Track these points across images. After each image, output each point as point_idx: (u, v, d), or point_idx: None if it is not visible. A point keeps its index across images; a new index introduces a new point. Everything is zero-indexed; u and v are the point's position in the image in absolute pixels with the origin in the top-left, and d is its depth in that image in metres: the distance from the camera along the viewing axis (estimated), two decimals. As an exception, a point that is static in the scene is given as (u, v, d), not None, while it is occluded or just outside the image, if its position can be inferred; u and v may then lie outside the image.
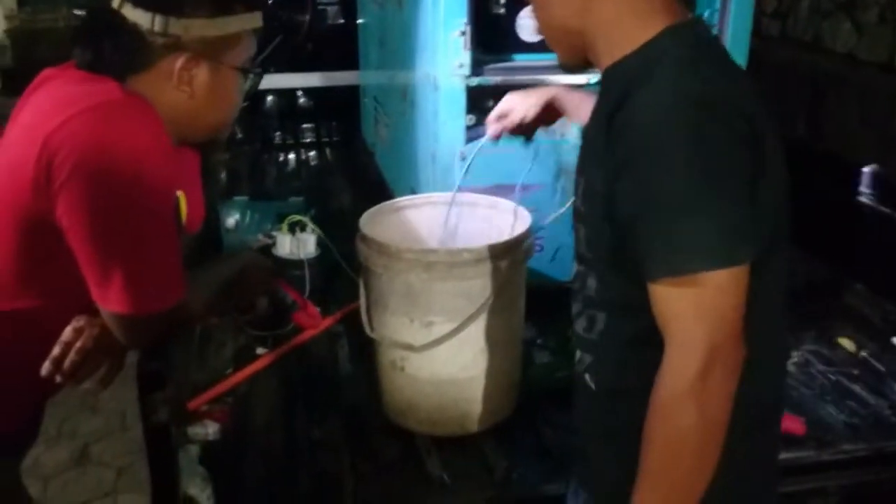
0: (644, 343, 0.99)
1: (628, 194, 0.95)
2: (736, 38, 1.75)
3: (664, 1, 1.02)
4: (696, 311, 0.91)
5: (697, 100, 0.92)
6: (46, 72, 1.37)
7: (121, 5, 1.27)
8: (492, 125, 1.52)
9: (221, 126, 1.43)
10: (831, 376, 1.66)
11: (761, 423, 1.08)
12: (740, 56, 1.74)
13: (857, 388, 1.62)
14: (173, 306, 1.27)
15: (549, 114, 1.50)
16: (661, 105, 0.93)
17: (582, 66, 1.11)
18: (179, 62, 1.29)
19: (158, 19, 1.26)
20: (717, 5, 1.75)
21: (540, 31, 1.13)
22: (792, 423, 1.47)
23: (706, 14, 1.75)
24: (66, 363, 1.26)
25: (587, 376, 1.14)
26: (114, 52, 1.28)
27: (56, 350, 1.26)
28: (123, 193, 1.21)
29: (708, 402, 0.91)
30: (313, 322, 1.80)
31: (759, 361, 0.98)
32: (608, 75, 1.05)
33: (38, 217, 1.23)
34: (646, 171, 0.92)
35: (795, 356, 1.71)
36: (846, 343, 1.78)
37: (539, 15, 1.11)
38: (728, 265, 0.91)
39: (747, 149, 0.92)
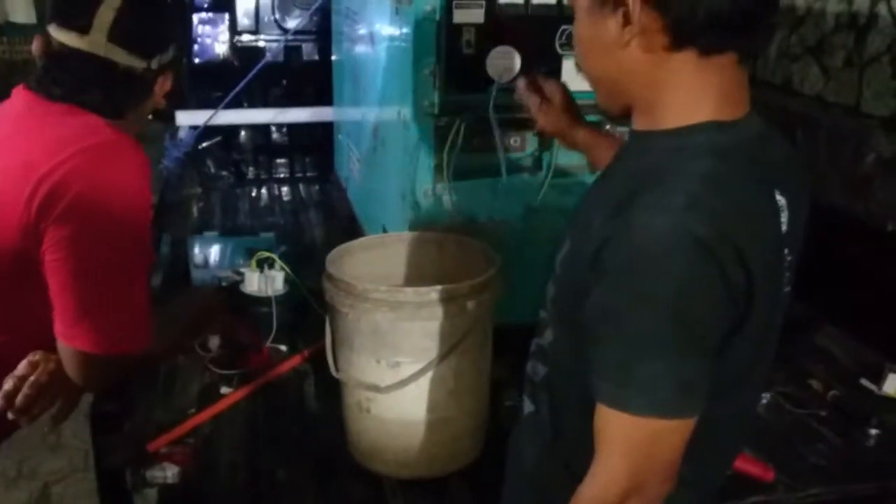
0: (570, 412, 1.01)
1: (600, 305, 0.89)
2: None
3: (729, 86, 0.93)
4: (626, 446, 0.90)
5: (697, 242, 0.83)
6: (15, 102, 1.34)
7: (108, 50, 1.29)
8: (522, 85, 1.45)
9: None
10: (801, 418, 1.66)
11: None
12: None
13: (825, 430, 1.61)
14: (136, 350, 1.26)
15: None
16: (660, 233, 0.84)
17: (625, 115, 1.02)
18: (167, 84, 1.41)
19: (154, 61, 1.35)
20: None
21: (588, 76, 1.02)
22: (761, 470, 1.45)
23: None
24: (20, 398, 1.23)
25: (523, 412, 1.16)
26: (123, 96, 1.35)
27: (9, 384, 1.23)
28: (114, 234, 1.24)
29: None
30: (265, 364, 1.76)
31: (697, 479, 0.99)
32: (638, 139, 0.99)
33: (20, 252, 1.23)
34: (624, 295, 0.87)
35: (766, 397, 1.71)
36: (816, 384, 1.78)
37: (586, 59, 1.00)
38: (672, 417, 0.88)
39: (734, 304, 0.87)
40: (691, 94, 0.92)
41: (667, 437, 0.89)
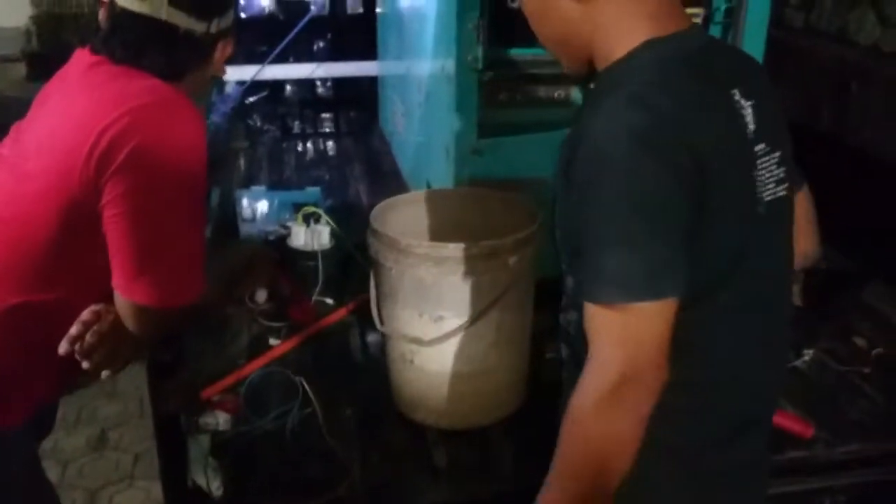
0: None
1: (576, 218, 1.00)
2: (753, 29, 1.72)
3: (658, 9, 1.03)
4: (614, 336, 0.96)
5: (640, 133, 0.93)
6: (77, 63, 1.38)
7: (169, 14, 1.33)
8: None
9: None
10: (843, 374, 1.65)
11: (716, 443, 1.09)
12: (757, 47, 1.72)
13: (867, 387, 1.61)
14: (189, 303, 1.30)
15: None
16: (605, 136, 0.95)
17: (589, 74, 1.11)
18: (228, 49, 1.43)
19: (214, 24, 1.38)
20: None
21: (544, 45, 1.15)
22: (801, 427, 1.46)
23: (722, 7, 1.73)
24: (84, 343, 1.28)
25: (564, 365, 1.21)
26: (183, 59, 1.38)
27: (74, 329, 1.28)
28: (170, 189, 1.28)
29: (615, 418, 0.95)
30: (307, 317, 1.80)
31: (711, 384, 1.05)
32: (596, 82, 1.09)
33: (81, 205, 1.28)
34: (584, 200, 0.97)
35: (809, 353, 1.70)
36: (860, 341, 1.76)
37: (540, 31, 1.12)
38: (647, 298, 0.94)
39: (686, 186, 0.94)
40: (626, 21, 1.02)
41: (649, 320, 0.95)
